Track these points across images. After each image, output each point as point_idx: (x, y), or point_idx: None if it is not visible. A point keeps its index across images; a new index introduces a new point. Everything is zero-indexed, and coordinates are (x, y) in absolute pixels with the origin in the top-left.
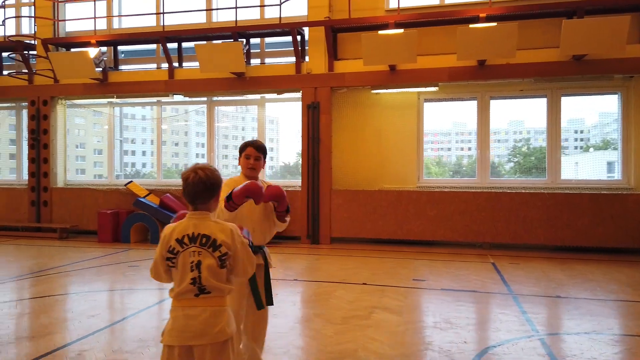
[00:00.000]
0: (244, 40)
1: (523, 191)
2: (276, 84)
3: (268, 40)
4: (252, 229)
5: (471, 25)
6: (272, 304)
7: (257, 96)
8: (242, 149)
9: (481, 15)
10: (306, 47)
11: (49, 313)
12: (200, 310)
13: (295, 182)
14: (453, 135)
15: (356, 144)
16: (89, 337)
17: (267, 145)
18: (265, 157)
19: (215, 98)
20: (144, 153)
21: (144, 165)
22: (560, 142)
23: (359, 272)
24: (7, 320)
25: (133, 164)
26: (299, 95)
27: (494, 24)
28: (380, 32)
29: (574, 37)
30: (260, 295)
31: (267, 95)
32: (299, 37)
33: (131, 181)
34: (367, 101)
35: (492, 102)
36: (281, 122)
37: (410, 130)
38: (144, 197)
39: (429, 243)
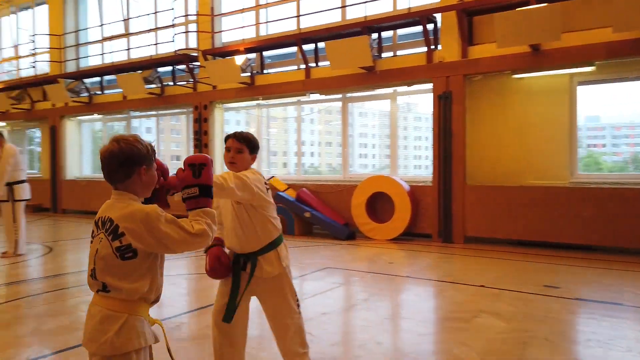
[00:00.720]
0: (374, 34)
1: None
2: (406, 75)
3: (400, 31)
4: (234, 237)
5: None
6: (228, 321)
7: (390, 90)
8: (225, 142)
9: None
10: (439, 35)
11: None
12: (96, 310)
13: (426, 177)
14: None
15: (494, 135)
16: (188, 313)
17: (421, 143)
18: (252, 150)
19: (348, 94)
20: (312, 154)
21: (312, 164)
22: None
23: (483, 274)
24: None
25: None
26: (430, 86)
27: None
28: (517, 9)
29: None
30: (231, 306)
31: (399, 89)
32: (430, 25)
33: (273, 176)
34: (507, 88)
35: None
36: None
37: (561, 118)
38: (283, 191)
39: (584, 248)
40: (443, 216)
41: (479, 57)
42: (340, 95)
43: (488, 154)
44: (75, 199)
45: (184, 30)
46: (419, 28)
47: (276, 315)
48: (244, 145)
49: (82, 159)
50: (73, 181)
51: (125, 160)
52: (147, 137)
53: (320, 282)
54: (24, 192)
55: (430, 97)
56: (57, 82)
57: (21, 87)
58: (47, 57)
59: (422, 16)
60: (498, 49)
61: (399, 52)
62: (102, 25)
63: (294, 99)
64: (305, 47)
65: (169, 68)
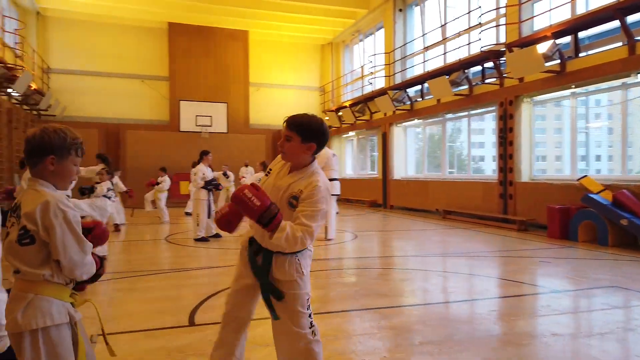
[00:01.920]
0: None
1: None
2: None
3: None
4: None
5: None
6: (276, 318)
7: None
8: None
9: None
10: None
11: (418, 282)
12: (11, 291)
13: None
14: None
15: None
16: (425, 305)
17: None
18: (305, 137)
19: None
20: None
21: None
22: None
23: None
24: (397, 283)
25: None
26: None
27: None
28: None
29: None
30: (270, 304)
31: None
32: None
33: (585, 175)
34: None
35: None
36: None
37: None
38: (597, 193)
39: None
40: None
41: None
42: None
43: None
44: (400, 197)
45: (494, 25)
46: None
47: (276, 324)
48: (294, 132)
49: (406, 161)
50: (398, 181)
51: (35, 147)
52: (461, 139)
53: (588, 300)
54: (334, 188)
55: None
56: (386, 94)
57: (362, 102)
58: (382, 73)
59: None
60: None
61: None
62: (423, 35)
63: (618, 82)
64: (630, 18)
65: (478, 67)
